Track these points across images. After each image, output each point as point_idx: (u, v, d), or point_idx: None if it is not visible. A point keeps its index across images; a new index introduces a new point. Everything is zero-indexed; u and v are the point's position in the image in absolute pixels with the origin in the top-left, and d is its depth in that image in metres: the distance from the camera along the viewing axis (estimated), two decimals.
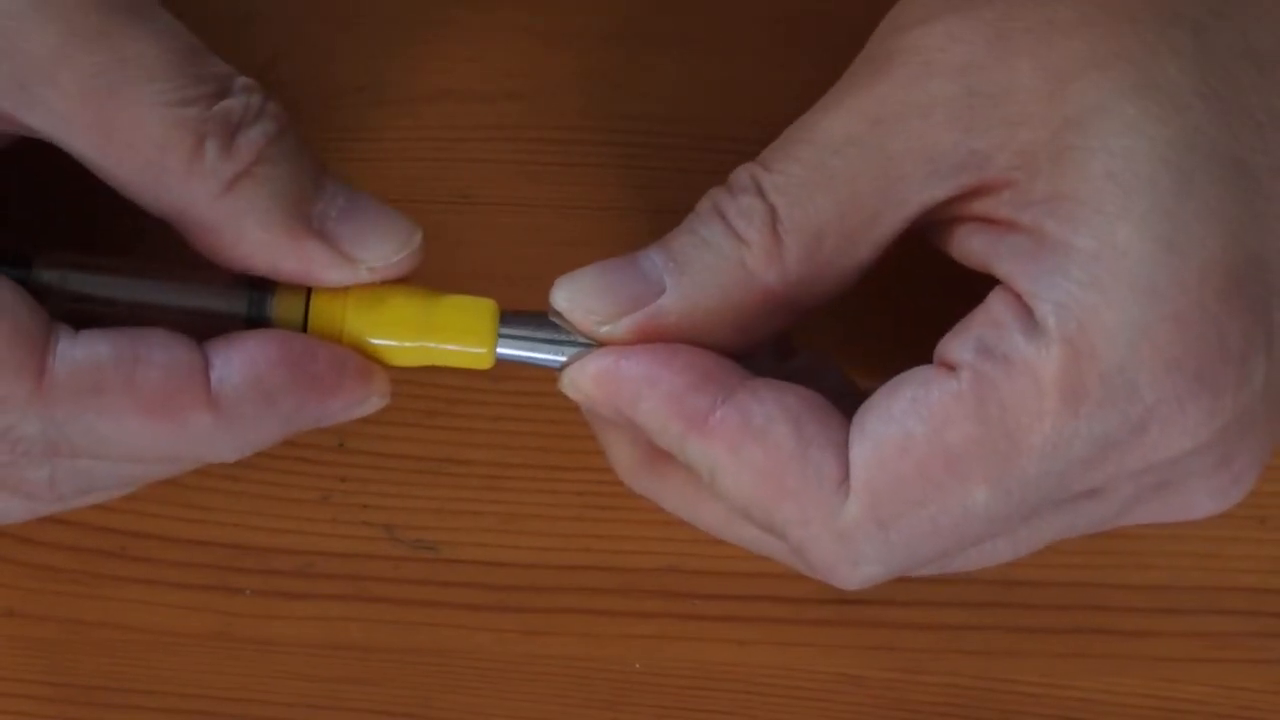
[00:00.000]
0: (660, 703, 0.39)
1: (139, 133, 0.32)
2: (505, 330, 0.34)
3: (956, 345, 0.31)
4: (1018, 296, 0.31)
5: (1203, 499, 0.33)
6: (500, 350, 0.34)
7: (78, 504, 0.35)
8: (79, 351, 0.32)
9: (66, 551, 0.39)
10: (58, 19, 0.32)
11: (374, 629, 0.39)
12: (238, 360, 0.32)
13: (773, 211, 0.32)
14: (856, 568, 0.32)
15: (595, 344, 0.33)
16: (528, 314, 0.34)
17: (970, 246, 0.32)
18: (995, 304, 0.31)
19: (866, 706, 0.39)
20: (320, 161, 0.34)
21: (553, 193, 0.39)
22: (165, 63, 0.32)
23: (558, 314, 0.33)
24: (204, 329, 0.33)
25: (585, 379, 0.33)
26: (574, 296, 0.33)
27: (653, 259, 0.33)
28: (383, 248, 0.33)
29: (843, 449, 0.32)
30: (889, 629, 0.39)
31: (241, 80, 0.33)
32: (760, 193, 0.32)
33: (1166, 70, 0.31)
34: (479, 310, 0.34)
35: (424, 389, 0.39)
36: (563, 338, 0.33)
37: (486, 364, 0.34)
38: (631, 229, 0.39)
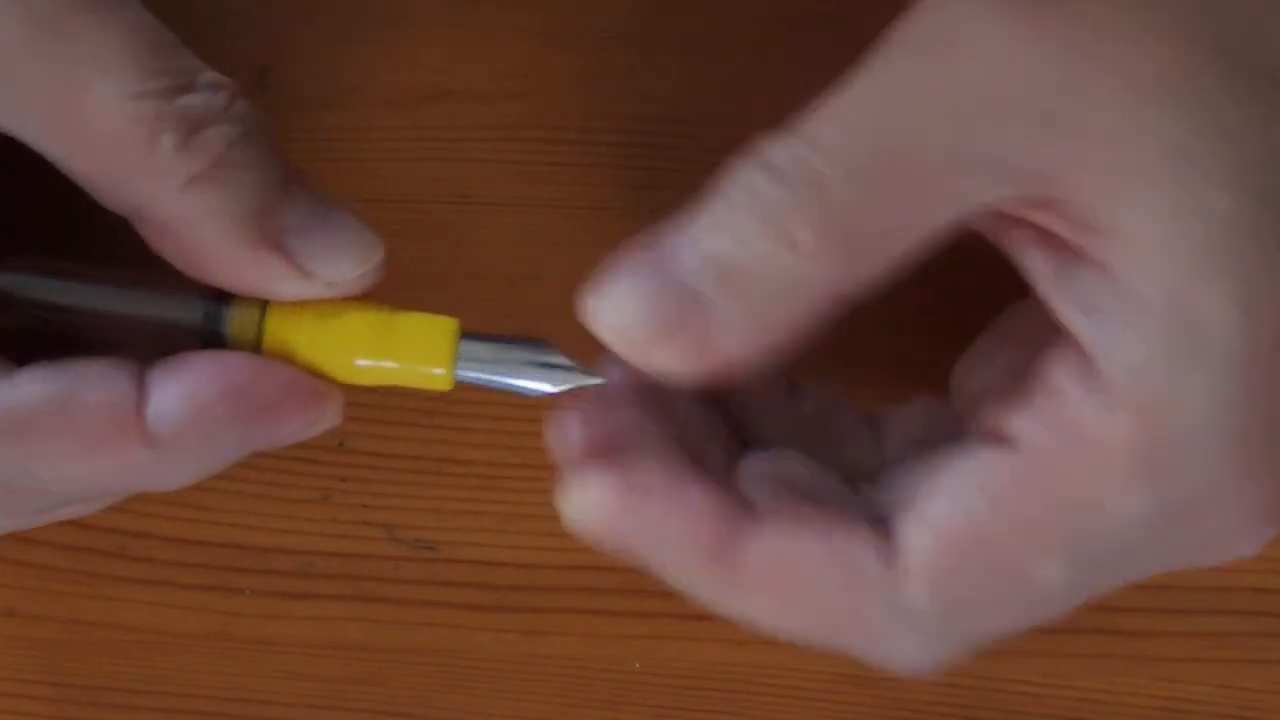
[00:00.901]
0: (660, 703, 0.39)
1: (94, 126, 0.31)
2: (466, 351, 0.33)
3: (1015, 418, 0.30)
4: (1079, 351, 0.29)
5: (1244, 549, 0.31)
6: (461, 372, 0.33)
7: (48, 520, 0.35)
8: (13, 394, 0.31)
9: (66, 551, 0.39)
10: (15, 10, 0.31)
11: (374, 629, 0.39)
12: (176, 392, 0.31)
13: (824, 205, 0.29)
14: (930, 656, 0.31)
15: (559, 364, 0.33)
16: (490, 335, 0.33)
17: (1034, 266, 0.30)
18: (1056, 370, 0.29)
19: (866, 706, 0.39)
20: (288, 167, 0.33)
21: (553, 193, 0.39)
22: (124, 55, 0.31)
23: (552, 348, 0.33)
24: (161, 339, 0.33)
25: (588, 522, 0.31)
26: (615, 324, 0.30)
27: (689, 266, 0.30)
28: (341, 263, 0.32)
29: (883, 544, 0.30)
30: None
31: (209, 76, 0.32)
32: (811, 184, 0.29)
33: (1244, 125, 0.28)
34: (439, 329, 0.33)
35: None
36: (525, 358, 0.33)
37: (446, 386, 0.33)
38: (631, 229, 0.39)
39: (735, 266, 0.29)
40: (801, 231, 0.29)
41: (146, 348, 0.33)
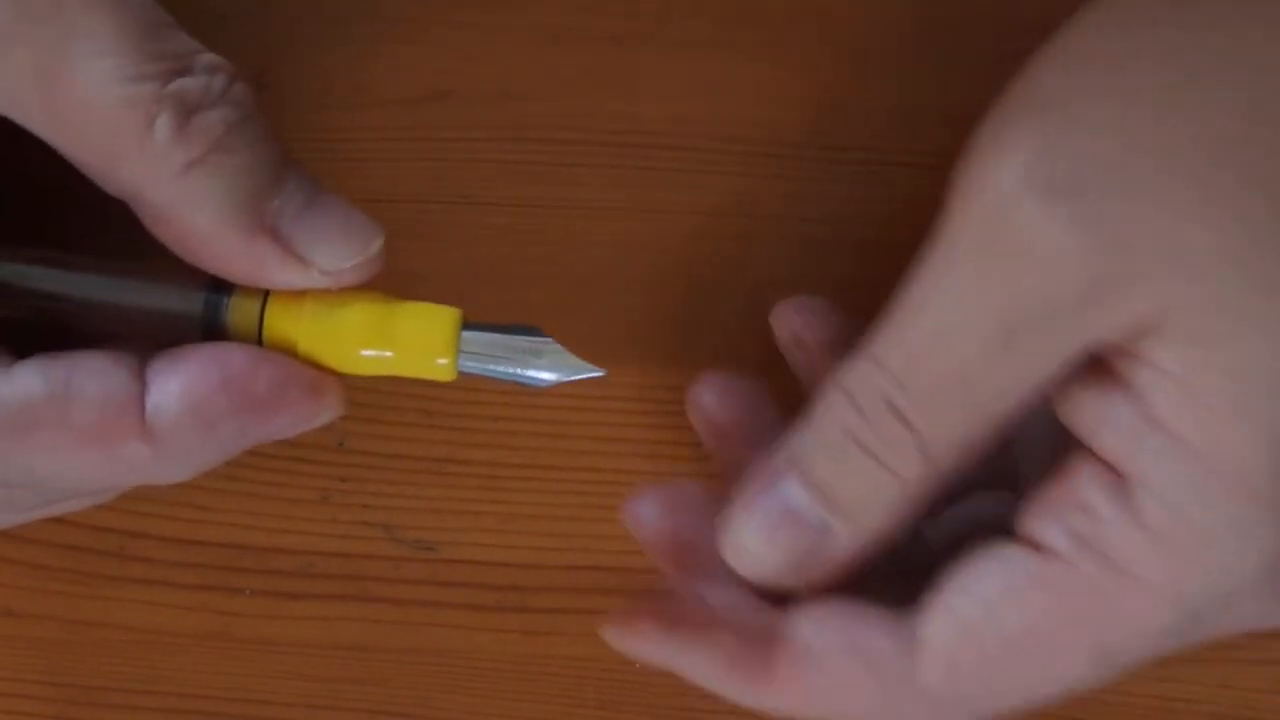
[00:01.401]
0: (659, 702, 0.39)
1: (89, 110, 0.31)
2: (469, 341, 0.33)
3: (1045, 526, 0.31)
4: (1111, 472, 0.30)
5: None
6: (464, 362, 0.33)
7: (44, 515, 0.35)
8: (12, 389, 0.31)
9: (66, 551, 0.39)
10: None
11: (374, 629, 0.39)
12: (175, 387, 0.31)
13: (920, 438, 0.31)
14: None
15: (560, 355, 0.33)
16: (492, 326, 0.33)
17: (1077, 401, 0.31)
18: (1086, 484, 0.31)
19: None
20: (285, 153, 0.32)
21: (553, 193, 0.39)
22: (119, 37, 0.31)
23: (552, 339, 0.33)
24: (161, 330, 0.32)
25: (629, 644, 0.33)
26: (742, 560, 0.33)
27: (802, 497, 0.32)
28: (338, 251, 0.32)
29: (896, 631, 0.32)
30: None
31: (206, 59, 0.32)
32: (903, 420, 0.31)
33: None
34: (441, 319, 0.33)
35: (423, 388, 0.38)
36: (527, 348, 0.33)
37: (448, 376, 0.33)
38: (631, 229, 0.39)
39: (844, 497, 0.32)
40: (904, 467, 0.31)
41: (147, 338, 0.32)
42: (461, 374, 0.33)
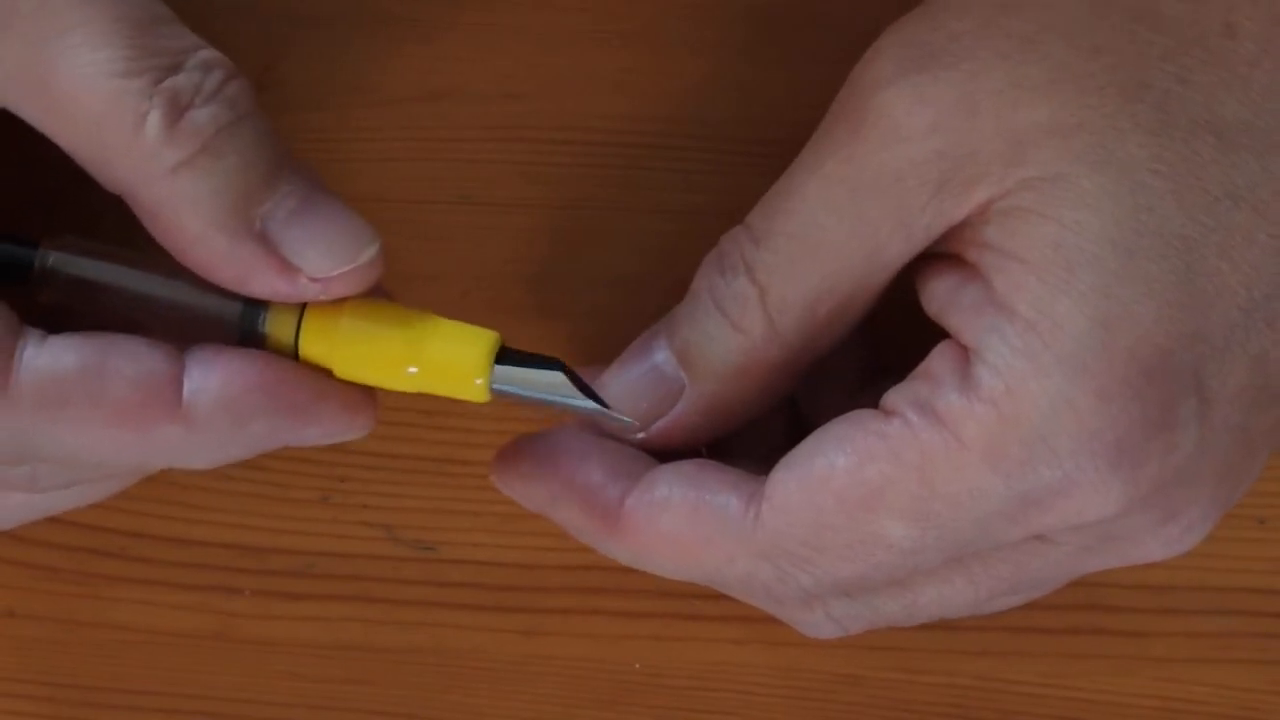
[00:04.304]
0: (660, 703, 0.39)
1: (78, 104, 0.30)
2: (503, 364, 0.32)
3: (895, 394, 0.32)
4: (962, 350, 0.32)
5: (1155, 548, 0.33)
6: (497, 386, 0.32)
7: (70, 504, 0.35)
8: (44, 360, 0.31)
9: (66, 551, 0.39)
10: None
11: (374, 629, 0.39)
12: (217, 374, 0.31)
13: (764, 294, 0.33)
14: (788, 587, 0.33)
15: (592, 386, 0.33)
16: (527, 354, 0.33)
17: (933, 292, 0.33)
18: (936, 359, 0.32)
19: (865, 707, 0.39)
20: (283, 153, 0.32)
21: (553, 193, 0.39)
22: (111, 31, 0.30)
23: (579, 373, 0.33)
24: (197, 331, 0.32)
25: (505, 486, 0.35)
26: (608, 411, 0.34)
27: (666, 357, 0.34)
28: (327, 257, 0.31)
29: (743, 486, 0.33)
30: (889, 629, 0.39)
31: (201, 56, 0.31)
32: (750, 274, 0.33)
33: (1126, 145, 0.31)
34: (477, 341, 0.32)
35: None
36: (561, 379, 0.33)
37: (482, 398, 0.32)
38: (632, 229, 0.39)
39: (696, 356, 0.34)
40: (745, 320, 0.33)
41: (182, 339, 0.32)
42: (496, 396, 0.33)
